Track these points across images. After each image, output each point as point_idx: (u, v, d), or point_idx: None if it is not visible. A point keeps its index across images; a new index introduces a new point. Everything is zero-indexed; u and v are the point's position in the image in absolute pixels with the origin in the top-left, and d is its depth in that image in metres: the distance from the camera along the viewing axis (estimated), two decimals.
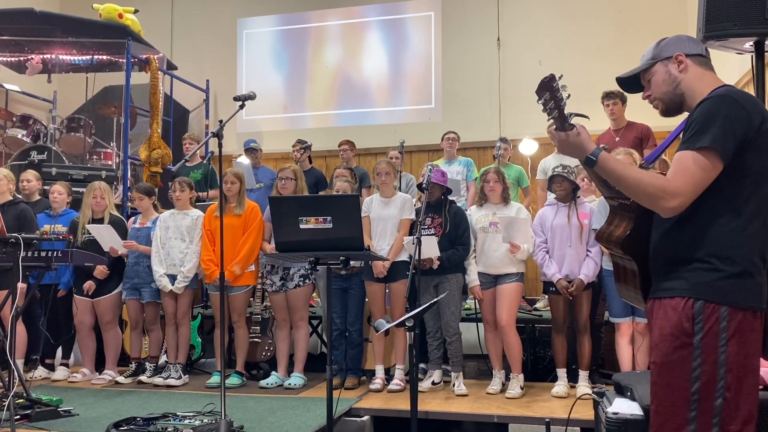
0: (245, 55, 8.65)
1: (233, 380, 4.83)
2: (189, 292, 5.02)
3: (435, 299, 3.58)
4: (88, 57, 7.32)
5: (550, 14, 7.59)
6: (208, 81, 8.41)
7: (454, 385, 4.50)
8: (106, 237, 4.95)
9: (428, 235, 4.47)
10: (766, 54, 3.38)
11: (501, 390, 4.45)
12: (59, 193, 5.34)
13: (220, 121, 3.46)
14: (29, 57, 7.31)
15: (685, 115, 1.94)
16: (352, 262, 3.15)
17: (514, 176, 5.88)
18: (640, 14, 7.17)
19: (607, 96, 5.35)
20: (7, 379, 3.72)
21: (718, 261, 1.78)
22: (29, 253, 3.79)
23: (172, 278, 4.93)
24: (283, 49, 8.55)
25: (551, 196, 4.64)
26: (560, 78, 1.80)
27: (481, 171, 4.85)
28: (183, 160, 3.83)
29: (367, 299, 4.81)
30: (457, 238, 4.51)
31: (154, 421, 3.68)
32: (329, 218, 3.00)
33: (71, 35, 6.95)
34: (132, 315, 5.14)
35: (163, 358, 5.19)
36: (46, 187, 5.62)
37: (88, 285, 5.00)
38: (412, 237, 4.16)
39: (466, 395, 4.39)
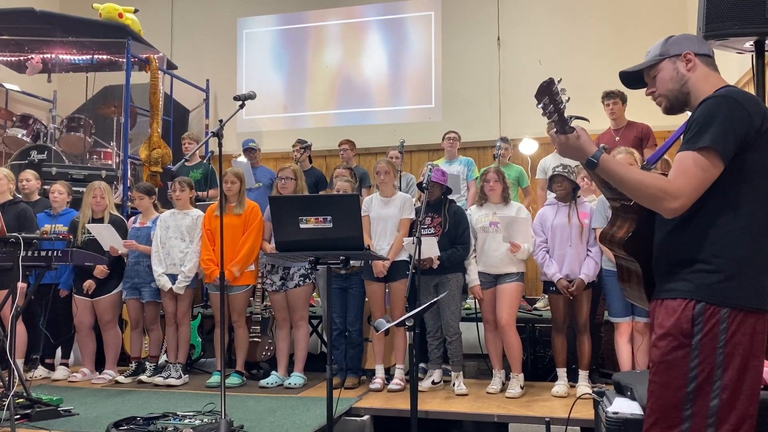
0: (245, 55, 8.65)
1: (233, 380, 4.83)
2: (189, 291, 5.02)
3: (435, 299, 3.58)
4: (88, 56, 7.32)
5: (550, 14, 7.59)
6: (208, 81, 8.41)
7: (454, 385, 4.50)
8: (107, 236, 4.95)
9: (428, 235, 4.47)
10: (766, 53, 3.38)
11: (501, 389, 4.45)
12: (59, 192, 5.34)
13: (220, 121, 3.46)
14: (29, 57, 7.30)
15: (687, 115, 1.94)
16: (351, 262, 3.15)
17: (515, 176, 5.88)
18: (640, 14, 7.18)
19: (608, 96, 5.35)
20: (7, 378, 3.72)
21: (721, 262, 1.78)
22: (29, 253, 3.79)
23: (172, 278, 4.93)
24: (283, 49, 8.55)
25: (551, 196, 4.64)
26: (559, 81, 1.80)
27: (482, 171, 4.85)
28: (183, 160, 3.83)
29: (367, 299, 4.81)
30: (456, 238, 4.51)
31: (154, 420, 3.68)
32: (329, 218, 3.00)
33: (71, 35, 6.95)
34: (132, 315, 5.14)
35: (163, 358, 5.19)
36: (46, 187, 5.62)
37: (88, 284, 5.00)
38: (412, 237, 4.16)
39: (466, 395, 4.39)
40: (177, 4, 8.89)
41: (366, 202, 4.80)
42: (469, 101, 7.73)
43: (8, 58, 7.42)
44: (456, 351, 4.54)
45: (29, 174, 5.55)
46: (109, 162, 6.82)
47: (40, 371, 5.25)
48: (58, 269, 4.84)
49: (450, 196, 4.70)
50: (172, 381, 4.87)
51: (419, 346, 4.61)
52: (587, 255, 4.35)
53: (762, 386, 1.83)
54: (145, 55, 7.00)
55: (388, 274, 4.56)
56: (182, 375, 4.96)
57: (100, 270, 4.98)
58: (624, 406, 2.80)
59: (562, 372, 4.43)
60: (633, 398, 2.83)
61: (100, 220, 5.09)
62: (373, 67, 8.19)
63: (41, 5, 6.81)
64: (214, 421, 3.54)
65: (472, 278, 4.52)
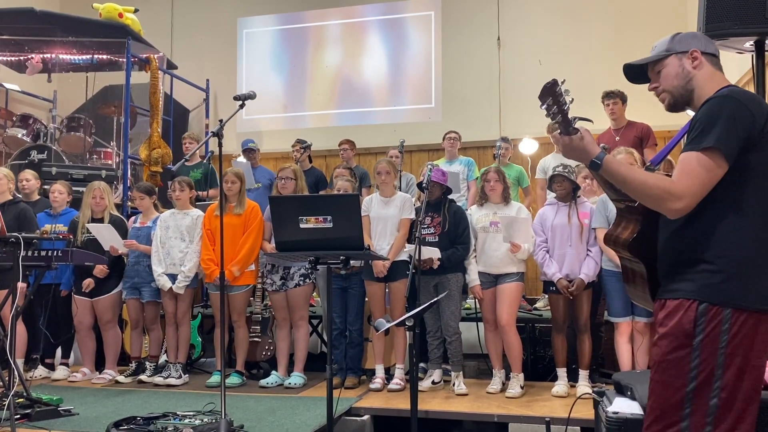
0: (245, 55, 8.65)
1: (233, 380, 4.83)
2: (189, 291, 5.02)
3: (435, 299, 3.58)
4: (88, 56, 7.31)
5: (550, 14, 7.59)
6: (208, 80, 8.41)
7: (454, 385, 4.50)
8: (107, 236, 4.96)
9: (428, 234, 4.48)
10: (766, 53, 3.38)
11: (501, 389, 4.45)
12: (60, 192, 5.34)
13: (220, 121, 3.46)
14: (29, 56, 7.30)
15: (689, 116, 1.94)
16: (351, 262, 3.15)
17: (515, 176, 5.88)
18: (641, 14, 7.18)
19: (608, 95, 5.35)
20: (7, 378, 3.72)
21: (724, 262, 1.78)
22: (29, 253, 3.79)
23: (172, 277, 4.93)
24: (283, 49, 8.55)
25: (551, 196, 4.64)
26: (563, 83, 1.80)
27: (482, 170, 4.85)
28: (183, 160, 3.82)
29: (367, 299, 4.81)
30: (456, 237, 4.51)
31: (154, 420, 3.68)
32: (329, 218, 3.00)
33: (71, 35, 6.95)
34: (132, 314, 5.14)
35: (163, 358, 5.19)
36: (46, 187, 5.62)
37: (87, 282, 4.99)
38: (413, 245, 4.17)
39: (466, 395, 4.39)
40: (177, 4, 8.89)
41: (366, 202, 4.80)
42: (469, 101, 7.73)
43: (8, 58, 7.42)
44: (456, 351, 4.54)
45: (29, 174, 5.55)
46: (109, 162, 6.82)
47: (40, 371, 5.25)
48: (58, 269, 4.84)
49: (450, 196, 4.70)
50: (172, 381, 4.87)
51: (419, 346, 4.61)
52: (587, 255, 4.35)
53: (763, 387, 1.83)
54: (145, 55, 7.00)
55: (388, 274, 4.56)
56: (182, 375, 4.96)
57: (100, 269, 4.97)
58: (624, 406, 2.80)
59: (562, 372, 4.43)
60: (633, 398, 2.83)
61: (100, 220, 5.09)
62: (373, 66, 8.20)
63: (41, 5, 6.81)
64: (214, 421, 3.54)
65: (472, 278, 4.52)
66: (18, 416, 3.61)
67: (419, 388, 4.22)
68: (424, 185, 4.31)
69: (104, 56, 7.29)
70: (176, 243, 4.97)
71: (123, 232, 5.08)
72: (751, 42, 3.34)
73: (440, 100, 7.90)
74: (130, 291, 5.08)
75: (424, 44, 8.05)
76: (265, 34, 8.63)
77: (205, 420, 3.65)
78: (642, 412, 2.70)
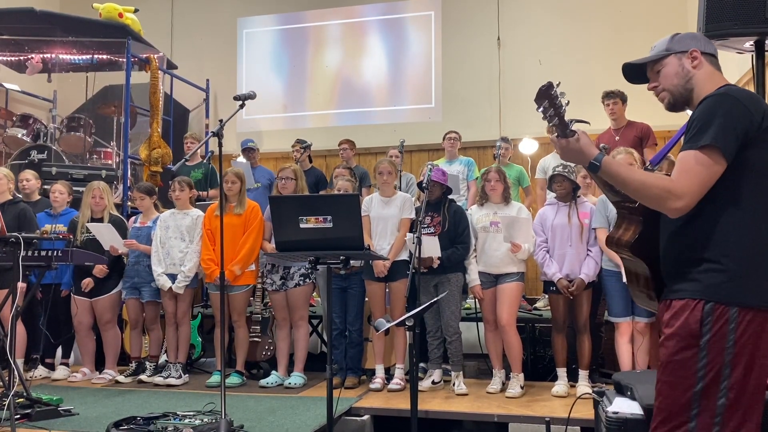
0: (245, 55, 8.65)
1: (233, 379, 4.83)
2: (189, 291, 5.02)
3: (435, 299, 3.58)
4: (88, 56, 7.31)
5: (550, 14, 7.59)
6: (208, 80, 8.42)
7: (454, 385, 4.50)
8: (107, 236, 4.96)
9: (429, 234, 4.47)
10: (766, 53, 3.38)
11: (501, 389, 4.45)
12: (60, 192, 5.34)
13: (220, 121, 3.46)
14: (29, 56, 7.30)
15: (688, 116, 1.94)
16: (351, 262, 3.15)
17: (515, 176, 5.88)
18: (641, 14, 7.18)
19: (608, 95, 5.35)
20: (7, 378, 3.72)
21: (727, 260, 1.78)
22: (29, 253, 3.79)
23: (172, 277, 4.92)
24: (283, 49, 8.55)
25: (551, 196, 4.64)
26: (558, 85, 1.79)
27: (483, 170, 4.85)
28: (183, 160, 3.81)
29: (367, 299, 4.81)
30: (456, 237, 4.51)
31: (154, 420, 3.67)
32: (329, 218, 3.01)
33: (71, 35, 6.95)
34: (132, 314, 5.14)
35: (163, 358, 5.19)
36: (46, 187, 5.62)
37: (87, 282, 4.99)
38: (412, 235, 4.16)
39: (466, 395, 4.39)
40: (177, 4, 8.89)
41: (366, 201, 4.80)
42: (469, 101, 7.74)
43: (8, 58, 7.42)
44: (456, 351, 4.54)
45: (29, 174, 5.55)
46: (109, 162, 6.82)
47: (40, 371, 5.25)
48: (58, 269, 4.84)
49: (450, 197, 4.70)
50: (172, 381, 4.87)
51: (419, 346, 4.61)
52: (587, 255, 4.35)
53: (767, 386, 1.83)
54: (145, 55, 7.00)
55: (388, 274, 4.56)
56: (182, 375, 4.96)
57: (100, 269, 4.97)
58: (624, 406, 2.80)
59: (562, 372, 4.43)
60: (633, 398, 2.83)
61: (100, 220, 5.08)
62: (373, 66, 8.20)
63: (41, 5, 6.81)
64: (214, 420, 3.54)
65: (473, 278, 4.52)
66: (18, 416, 3.61)
67: (419, 388, 4.22)
68: (424, 185, 4.31)
69: (104, 56, 7.29)
70: (176, 243, 4.97)
71: (122, 232, 5.08)
72: (751, 42, 3.34)
73: (440, 100, 7.90)
74: (130, 291, 5.08)
75: (424, 44, 8.05)
76: (265, 34, 8.63)
77: (205, 420, 3.65)
78: (642, 412, 2.70)
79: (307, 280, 4.86)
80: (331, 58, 8.37)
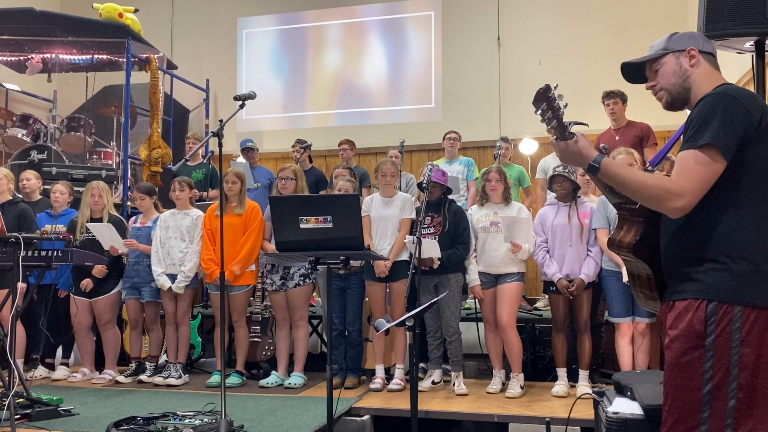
0: (245, 55, 8.65)
1: (233, 380, 4.83)
2: (189, 291, 5.02)
3: (435, 299, 3.58)
4: (88, 56, 7.32)
5: (550, 14, 7.59)
6: (208, 80, 8.42)
7: (454, 385, 4.49)
8: (107, 236, 4.95)
9: (429, 234, 4.47)
10: (766, 53, 3.38)
11: (501, 389, 4.45)
12: (61, 192, 5.34)
13: (221, 121, 3.46)
14: (29, 56, 7.30)
15: (686, 115, 1.94)
16: (351, 262, 3.15)
17: (516, 176, 5.88)
18: (641, 14, 7.18)
19: (608, 95, 5.35)
20: (7, 378, 3.72)
21: (729, 259, 1.77)
22: (29, 253, 3.79)
23: (172, 278, 4.92)
24: (283, 49, 8.55)
25: (551, 196, 4.64)
26: (556, 87, 1.79)
27: (483, 170, 4.85)
28: (184, 160, 3.82)
29: (367, 299, 4.81)
30: (457, 237, 4.51)
31: (154, 420, 3.68)
32: (329, 218, 3.00)
33: (71, 35, 6.95)
34: (132, 314, 5.13)
35: (163, 358, 5.19)
36: (46, 187, 5.62)
37: (86, 282, 4.99)
38: (412, 236, 4.16)
39: (466, 395, 4.39)
40: (177, 4, 8.90)
41: (366, 201, 4.80)
42: (469, 101, 7.74)
43: (8, 58, 7.42)
44: (456, 351, 4.54)
45: (30, 174, 5.55)
46: (109, 162, 6.82)
47: (40, 371, 5.25)
48: (58, 269, 4.84)
49: (450, 197, 4.70)
50: (172, 381, 4.87)
51: (419, 346, 4.61)
52: (587, 255, 4.35)
53: None
54: (145, 55, 7.00)
55: (389, 274, 4.56)
56: (182, 375, 4.96)
57: (99, 270, 4.97)
58: (624, 406, 2.80)
59: (562, 372, 4.43)
60: (633, 398, 2.83)
61: (99, 220, 5.08)
62: (373, 67, 8.20)
63: (41, 5, 6.81)
64: (214, 421, 3.54)
65: (473, 278, 4.52)
66: (18, 416, 3.61)
67: (419, 388, 4.22)
68: (424, 185, 4.31)
69: (104, 56, 7.29)
70: (176, 243, 4.96)
71: (122, 232, 5.08)
72: (751, 42, 3.34)
73: (440, 100, 7.90)
74: (130, 291, 5.08)
75: (424, 44, 8.05)
76: (265, 35, 8.63)
77: (205, 420, 3.65)
78: (642, 413, 2.70)
79: (307, 280, 4.86)
80: (331, 58, 8.37)
